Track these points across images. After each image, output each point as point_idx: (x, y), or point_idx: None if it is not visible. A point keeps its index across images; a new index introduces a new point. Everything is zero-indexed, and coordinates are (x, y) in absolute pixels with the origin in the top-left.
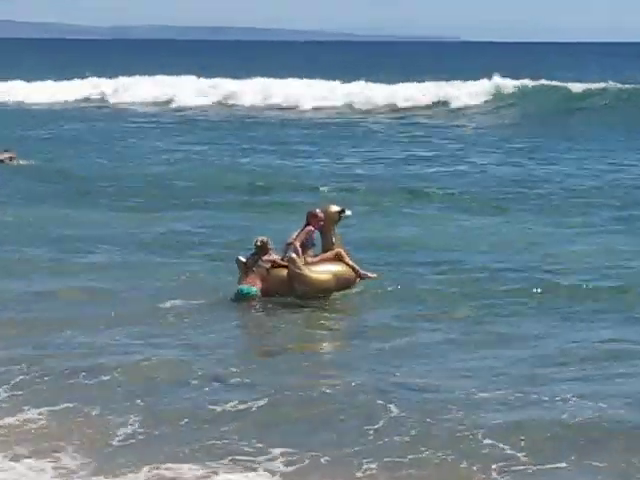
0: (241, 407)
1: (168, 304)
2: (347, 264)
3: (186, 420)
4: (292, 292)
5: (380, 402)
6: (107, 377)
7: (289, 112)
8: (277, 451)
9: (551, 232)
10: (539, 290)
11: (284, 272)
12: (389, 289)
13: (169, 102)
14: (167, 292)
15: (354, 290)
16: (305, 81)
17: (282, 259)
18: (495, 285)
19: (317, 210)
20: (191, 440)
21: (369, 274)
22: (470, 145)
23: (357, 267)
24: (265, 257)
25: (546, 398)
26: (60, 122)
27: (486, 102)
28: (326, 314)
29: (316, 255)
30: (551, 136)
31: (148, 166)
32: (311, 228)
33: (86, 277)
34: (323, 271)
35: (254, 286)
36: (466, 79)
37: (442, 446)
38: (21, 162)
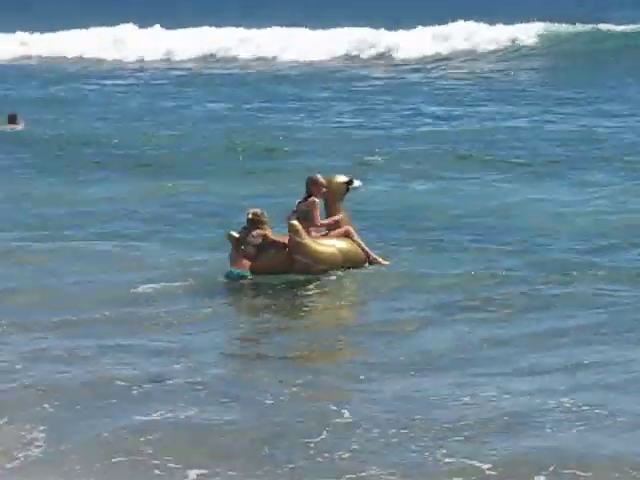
0: (169, 416)
1: (141, 289)
2: (357, 243)
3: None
4: (290, 268)
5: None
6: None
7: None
8: (193, 473)
9: None
10: None
11: (281, 245)
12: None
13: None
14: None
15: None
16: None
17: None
18: None
19: (318, 176)
20: (100, 457)
21: (380, 260)
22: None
23: (367, 249)
24: (256, 232)
25: None
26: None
27: (509, 48)
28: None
29: (324, 234)
30: (602, 85)
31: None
32: (314, 199)
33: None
34: (328, 244)
35: (242, 269)
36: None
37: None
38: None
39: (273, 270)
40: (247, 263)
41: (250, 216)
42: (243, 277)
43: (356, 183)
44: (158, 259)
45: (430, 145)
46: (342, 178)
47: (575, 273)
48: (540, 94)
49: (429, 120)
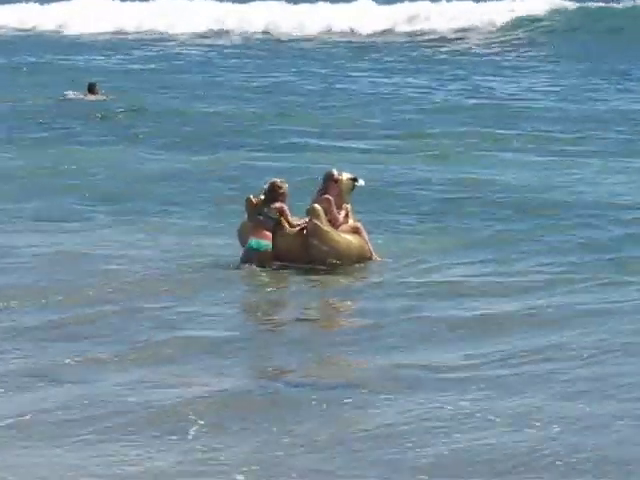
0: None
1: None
2: (364, 239)
3: None
4: (304, 256)
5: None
6: None
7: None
8: None
9: None
10: None
11: (296, 231)
12: None
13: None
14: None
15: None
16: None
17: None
18: None
19: (335, 171)
20: None
21: (378, 258)
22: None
23: (371, 246)
24: (274, 205)
25: None
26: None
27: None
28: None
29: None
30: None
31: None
32: (330, 197)
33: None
34: (346, 236)
35: (266, 240)
36: None
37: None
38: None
39: (285, 256)
40: (268, 234)
41: (267, 185)
42: (265, 250)
43: (361, 182)
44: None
45: None
46: (348, 175)
47: None
48: None
49: None
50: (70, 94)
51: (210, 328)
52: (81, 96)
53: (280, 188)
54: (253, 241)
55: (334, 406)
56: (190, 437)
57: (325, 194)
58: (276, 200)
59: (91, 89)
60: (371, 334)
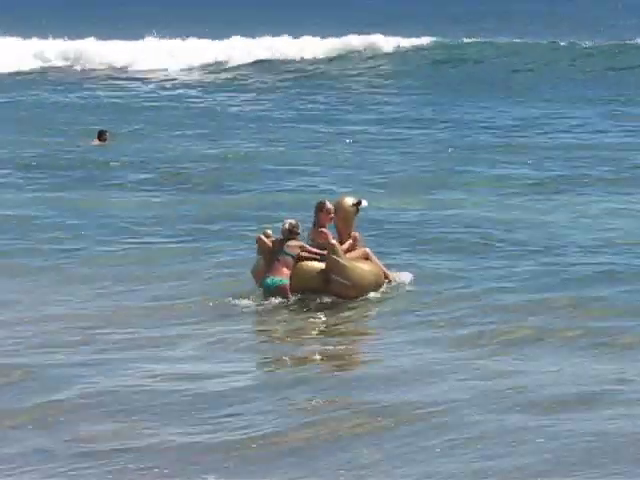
0: None
1: None
2: (375, 264)
3: None
4: (324, 289)
5: None
6: None
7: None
8: None
9: None
10: None
11: (315, 263)
12: None
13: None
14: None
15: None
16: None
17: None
18: None
19: (326, 201)
20: None
21: (396, 279)
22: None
23: (385, 268)
24: (292, 242)
25: None
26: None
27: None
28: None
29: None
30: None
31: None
32: (324, 231)
33: None
34: (364, 267)
35: (281, 276)
36: None
37: None
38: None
39: (305, 288)
40: (287, 271)
41: (287, 226)
42: (281, 286)
43: (364, 203)
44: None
45: None
46: (351, 200)
47: None
48: None
49: None
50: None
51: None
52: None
53: (297, 228)
54: (268, 279)
55: None
56: None
57: (320, 227)
58: (292, 239)
59: (100, 135)
60: None
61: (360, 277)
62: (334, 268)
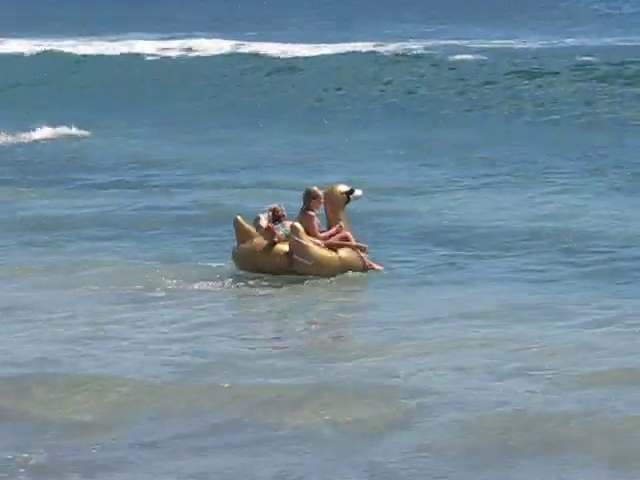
0: None
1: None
2: (354, 249)
3: None
4: (290, 268)
5: None
6: None
7: None
8: None
9: None
10: None
11: (280, 245)
12: None
13: None
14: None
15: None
16: None
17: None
18: None
19: (315, 188)
20: None
21: (375, 265)
22: None
23: (364, 256)
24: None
25: None
26: None
27: None
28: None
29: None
30: None
31: None
32: (311, 213)
33: None
34: (328, 250)
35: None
36: None
37: None
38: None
39: (274, 267)
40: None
41: (270, 212)
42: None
43: (357, 192)
44: None
45: None
46: (343, 187)
47: None
48: None
49: None
50: None
51: None
52: None
53: (280, 211)
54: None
55: None
56: None
57: (307, 210)
58: (279, 221)
59: None
60: None
61: (322, 258)
62: (297, 250)
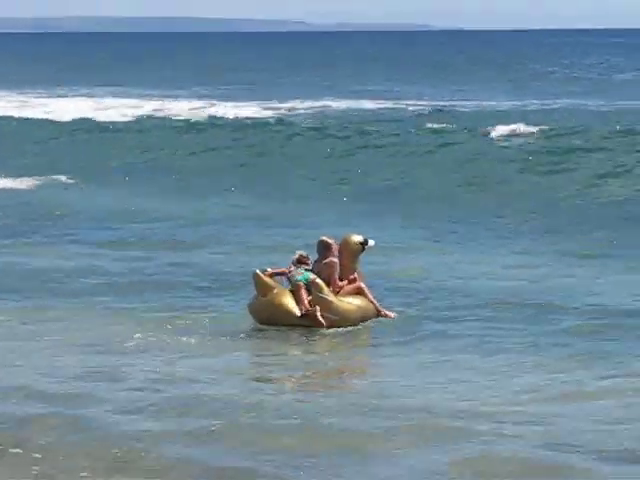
0: None
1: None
2: (368, 299)
3: None
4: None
5: None
6: None
7: None
8: None
9: None
10: None
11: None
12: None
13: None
14: None
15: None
16: None
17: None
18: None
19: (328, 239)
20: None
21: (389, 313)
22: None
23: (377, 304)
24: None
25: None
26: None
27: None
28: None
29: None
30: None
31: None
32: (334, 260)
33: None
34: (351, 302)
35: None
36: None
37: None
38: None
39: (296, 321)
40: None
41: (297, 256)
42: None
43: (371, 242)
44: None
45: None
46: (358, 238)
47: None
48: None
49: None
50: None
51: None
52: None
53: (305, 257)
54: (300, 276)
55: None
56: None
57: (331, 258)
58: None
59: None
60: None
61: (347, 311)
62: (321, 305)
